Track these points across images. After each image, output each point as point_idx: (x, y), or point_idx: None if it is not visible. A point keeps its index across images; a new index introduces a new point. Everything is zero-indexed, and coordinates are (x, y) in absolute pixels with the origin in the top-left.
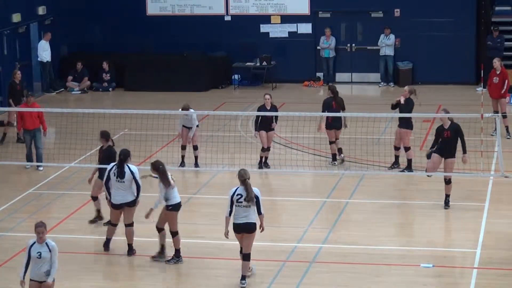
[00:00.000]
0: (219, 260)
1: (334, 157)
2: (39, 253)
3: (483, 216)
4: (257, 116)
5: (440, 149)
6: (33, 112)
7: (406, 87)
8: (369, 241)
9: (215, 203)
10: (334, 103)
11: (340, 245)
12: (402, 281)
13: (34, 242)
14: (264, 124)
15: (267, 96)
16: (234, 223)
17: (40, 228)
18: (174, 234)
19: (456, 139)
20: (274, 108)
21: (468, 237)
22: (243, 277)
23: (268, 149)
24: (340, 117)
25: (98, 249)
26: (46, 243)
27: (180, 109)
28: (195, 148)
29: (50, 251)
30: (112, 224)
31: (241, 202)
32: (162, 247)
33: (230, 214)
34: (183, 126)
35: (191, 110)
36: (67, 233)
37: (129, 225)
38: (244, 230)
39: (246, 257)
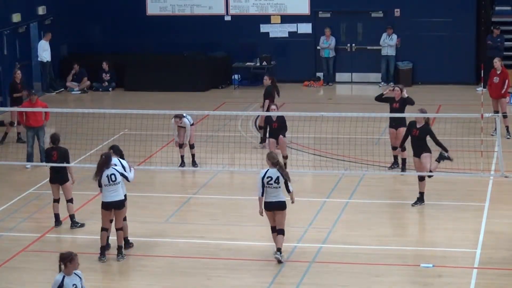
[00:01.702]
0: (219, 260)
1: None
2: (74, 285)
3: (483, 216)
4: (265, 126)
5: (412, 148)
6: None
7: (397, 88)
8: (369, 241)
9: (215, 203)
10: (273, 90)
11: (340, 245)
12: (402, 281)
13: (64, 276)
14: (273, 134)
15: (273, 107)
16: (265, 202)
17: (77, 257)
18: (116, 229)
19: (424, 139)
20: (281, 118)
21: (468, 237)
22: (279, 249)
23: (285, 157)
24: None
25: (98, 249)
26: (75, 273)
27: (173, 118)
28: (192, 146)
29: (81, 279)
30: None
31: (271, 183)
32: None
33: (262, 195)
34: (178, 126)
35: (185, 120)
36: (67, 233)
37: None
38: (276, 208)
39: (281, 231)
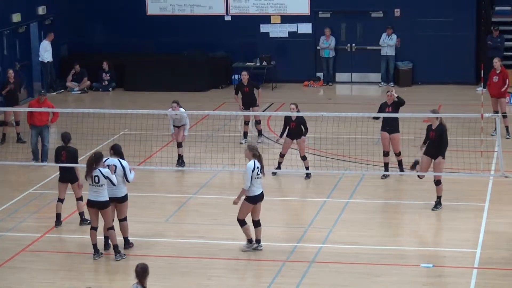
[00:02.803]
0: (219, 260)
1: (245, 135)
2: None
3: (483, 216)
4: (285, 125)
5: (427, 149)
6: (43, 110)
7: (390, 92)
8: (369, 241)
9: (215, 203)
10: (246, 89)
11: (340, 245)
12: (402, 281)
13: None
14: (291, 134)
15: (292, 106)
16: (254, 196)
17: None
18: (107, 229)
19: (441, 141)
20: (301, 118)
21: (468, 237)
22: (259, 240)
23: (303, 158)
24: (252, 98)
25: (99, 249)
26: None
27: (171, 107)
28: (180, 145)
29: None
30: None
31: (259, 174)
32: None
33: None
34: (174, 126)
35: (181, 109)
36: (67, 233)
37: (123, 219)
38: (262, 199)
39: (259, 223)
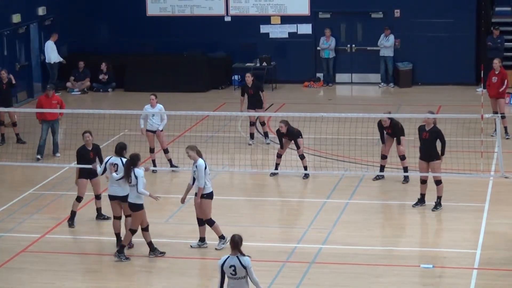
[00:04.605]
0: (218, 261)
1: (251, 136)
2: (232, 267)
3: (483, 216)
4: (279, 139)
5: (421, 151)
6: (53, 103)
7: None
8: (369, 242)
9: (215, 204)
10: (250, 90)
11: (340, 246)
12: (402, 282)
13: (228, 257)
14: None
15: (281, 125)
16: (210, 192)
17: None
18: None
19: (434, 142)
20: (291, 134)
21: (468, 238)
22: (203, 239)
23: (301, 156)
24: (258, 100)
25: (99, 249)
26: (237, 256)
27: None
28: (166, 151)
29: (239, 261)
30: (115, 217)
31: (209, 171)
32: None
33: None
34: (148, 130)
35: (159, 105)
36: (67, 233)
37: (129, 216)
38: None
39: (203, 222)
